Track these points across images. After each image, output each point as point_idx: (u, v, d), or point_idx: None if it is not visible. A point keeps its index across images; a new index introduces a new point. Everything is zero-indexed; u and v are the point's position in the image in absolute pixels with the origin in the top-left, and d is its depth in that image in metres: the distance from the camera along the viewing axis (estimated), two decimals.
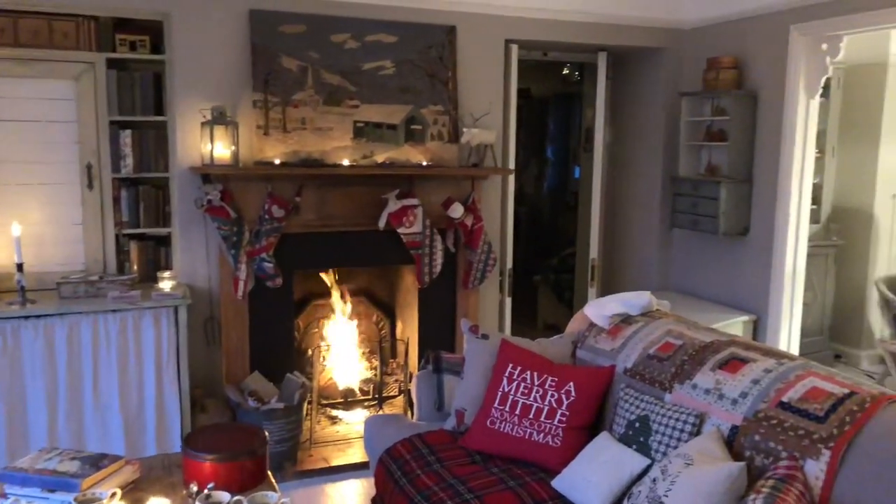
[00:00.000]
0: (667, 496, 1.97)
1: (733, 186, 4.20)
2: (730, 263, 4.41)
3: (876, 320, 5.58)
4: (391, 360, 4.54)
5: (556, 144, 7.78)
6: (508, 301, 4.57)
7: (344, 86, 3.92)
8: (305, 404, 3.77)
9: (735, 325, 4.16)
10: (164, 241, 3.83)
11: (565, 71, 6.70)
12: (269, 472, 2.32)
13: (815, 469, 1.95)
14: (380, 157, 3.97)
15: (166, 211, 3.80)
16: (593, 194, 4.94)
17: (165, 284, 3.50)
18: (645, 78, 4.92)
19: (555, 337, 3.18)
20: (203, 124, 3.61)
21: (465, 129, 4.03)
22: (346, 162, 3.87)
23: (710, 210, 4.25)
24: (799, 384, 2.19)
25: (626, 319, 2.98)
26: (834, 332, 5.63)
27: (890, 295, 4.32)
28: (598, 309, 3.08)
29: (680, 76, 4.73)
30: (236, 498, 2.01)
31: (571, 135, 7.28)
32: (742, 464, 1.95)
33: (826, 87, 5.34)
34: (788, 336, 4.11)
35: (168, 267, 3.75)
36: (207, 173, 3.64)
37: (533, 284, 6.57)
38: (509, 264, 4.54)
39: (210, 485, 2.07)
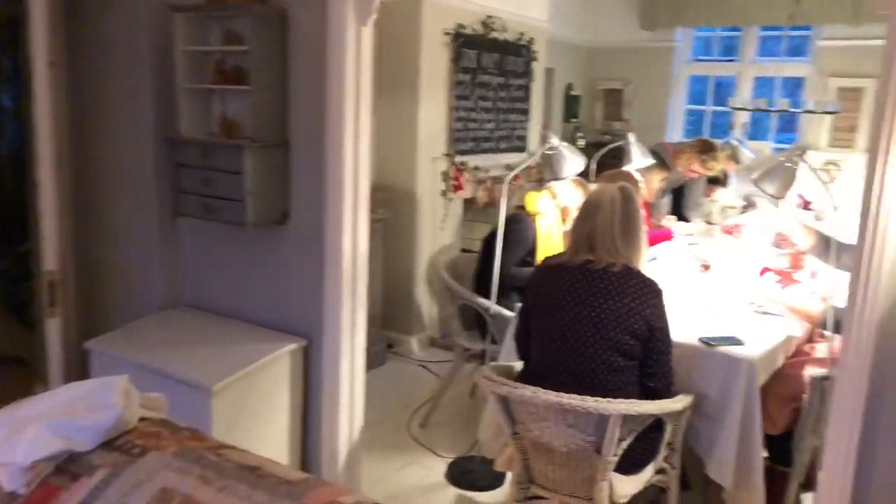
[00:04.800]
0: None
1: (263, 153, 2.80)
2: (267, 266, 3.03)
3: (424, 301, 4.96)
4: None
5: (20, 88, 5.39)
6: None
7: None
8: None
9: (281, 360, 2.84)
10: None
11: None
12: None
13: None
14: None
15: None
16: (40, 166, 3.01)
17: None
18: None
19: None
20: None
21: None
22: None
23: (232, 189, 2.79)
24: None
25: (83, 463, 1.34)
26: (386, 319, 4.83)
27: (455, 286, 3.53)
28: (8, 447, 1.37)
29: None
30: None
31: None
32: None
33: None
34: (352, 360, 2.96)
35: None
36: None
37: None
38: None
39: None
